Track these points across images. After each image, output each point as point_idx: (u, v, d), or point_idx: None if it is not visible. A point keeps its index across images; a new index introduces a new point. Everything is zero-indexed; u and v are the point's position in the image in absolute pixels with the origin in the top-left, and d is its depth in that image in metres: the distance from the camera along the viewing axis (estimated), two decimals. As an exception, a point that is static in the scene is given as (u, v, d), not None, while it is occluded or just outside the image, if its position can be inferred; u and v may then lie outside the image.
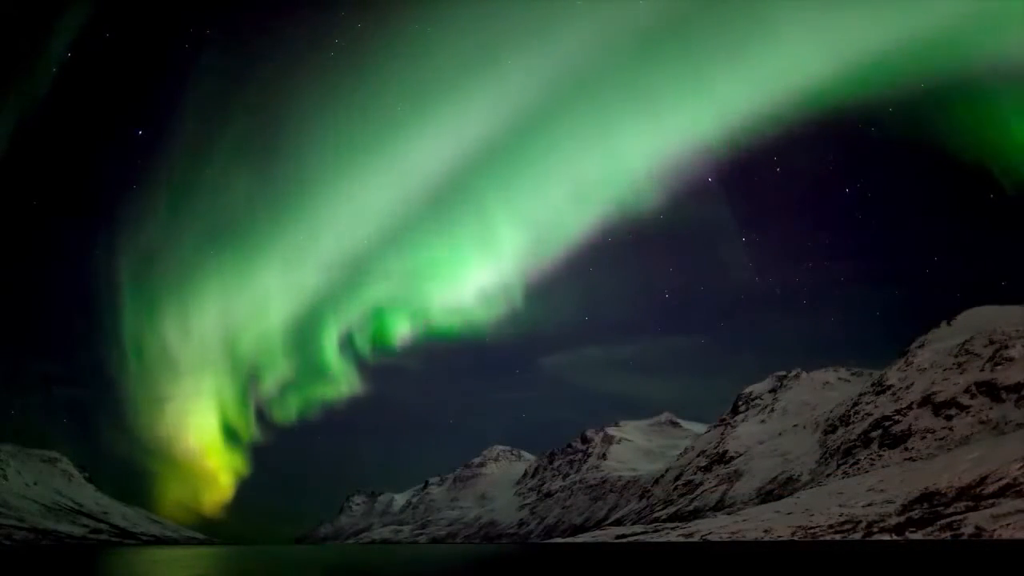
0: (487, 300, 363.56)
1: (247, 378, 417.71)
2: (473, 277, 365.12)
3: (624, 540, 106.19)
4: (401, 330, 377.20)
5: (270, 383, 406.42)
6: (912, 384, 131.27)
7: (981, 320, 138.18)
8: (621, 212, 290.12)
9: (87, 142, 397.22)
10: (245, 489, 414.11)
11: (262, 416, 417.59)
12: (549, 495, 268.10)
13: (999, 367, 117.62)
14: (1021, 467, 76.36)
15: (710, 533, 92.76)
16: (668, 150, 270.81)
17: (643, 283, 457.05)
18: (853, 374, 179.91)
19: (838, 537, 76.01)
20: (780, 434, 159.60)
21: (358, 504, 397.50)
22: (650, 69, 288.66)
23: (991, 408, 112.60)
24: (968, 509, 71.34)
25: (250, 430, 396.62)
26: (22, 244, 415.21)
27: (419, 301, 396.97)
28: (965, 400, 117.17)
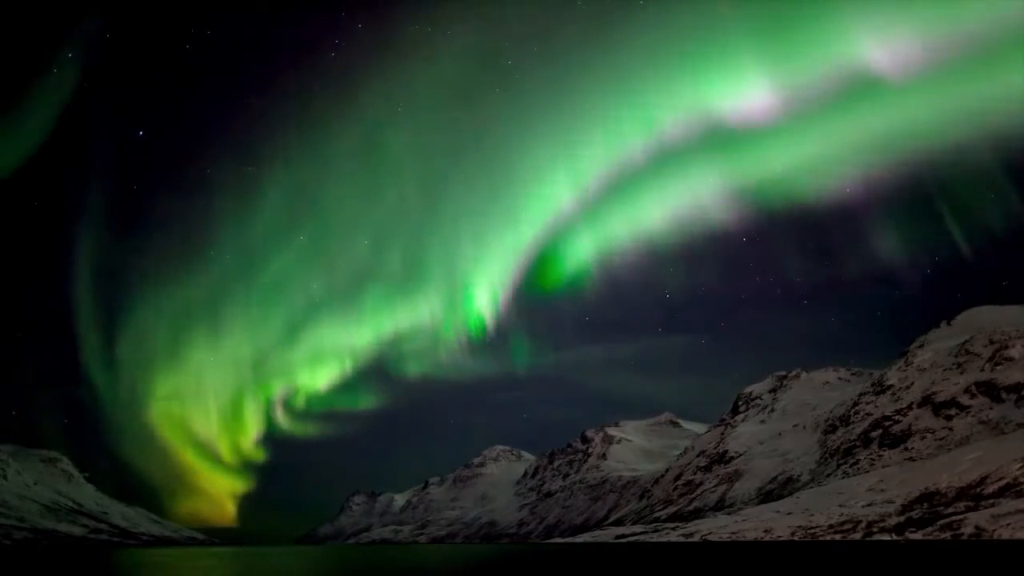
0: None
1: (250, 381, 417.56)
2: (475, 276, 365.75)
3: (624, 540, 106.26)
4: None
5: (274, 387, 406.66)
6: (912, 384, 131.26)
7: (981, 320, 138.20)
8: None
9: (87, 143, 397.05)
10: (247, 491, 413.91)
11: (265, 419, 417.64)
12: (549, 495, 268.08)
13: (999, 367, 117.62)
14: (1021, 467, 76.40)
15: (710, 533, 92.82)
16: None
17: (643, 283, 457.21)
18: (853, 374, 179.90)
19: (838, 537, 76.06)
20: (780, 434, 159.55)
21: (358, 504, 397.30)
22: (643, 67, 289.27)
23: (991, 408, 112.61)
24: (968, 509, 71.38)
25: (253, 432, 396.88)
26: (25, 244, 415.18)
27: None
28: (965, 400, 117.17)
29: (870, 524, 77.24)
